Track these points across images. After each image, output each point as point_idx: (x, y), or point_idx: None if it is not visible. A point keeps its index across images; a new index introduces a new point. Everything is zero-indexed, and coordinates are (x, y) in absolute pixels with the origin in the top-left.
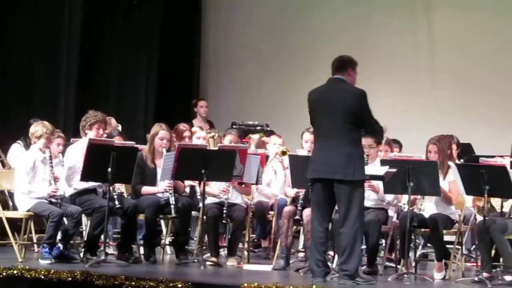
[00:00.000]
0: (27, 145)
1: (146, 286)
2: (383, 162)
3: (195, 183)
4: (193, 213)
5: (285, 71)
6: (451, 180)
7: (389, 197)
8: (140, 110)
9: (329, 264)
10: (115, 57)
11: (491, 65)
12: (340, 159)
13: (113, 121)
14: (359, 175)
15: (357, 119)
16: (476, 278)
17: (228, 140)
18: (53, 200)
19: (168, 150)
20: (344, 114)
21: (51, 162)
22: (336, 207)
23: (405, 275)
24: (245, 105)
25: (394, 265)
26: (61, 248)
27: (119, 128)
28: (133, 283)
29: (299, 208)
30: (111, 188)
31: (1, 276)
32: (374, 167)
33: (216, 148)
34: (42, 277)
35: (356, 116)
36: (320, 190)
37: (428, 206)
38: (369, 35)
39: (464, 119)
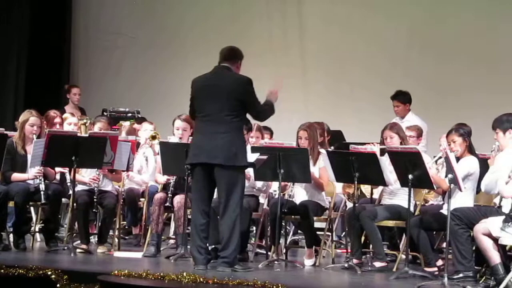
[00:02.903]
0: None
1: (16, 273)
2: (254, 149)
3: (65, 170)
4: (63, 200)
5: (157, 58)
6: (321, 167)
7: (260, 184)
8: (10, 97)
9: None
10: None
11: (363, 49)
12: (222, 144)
13: None
14: (240, 160)
15: (242, 106)
16: (346, 265)
17: (98, 127)
18: None
19: (38, 137)
20: (229, 101)
21: None
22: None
23: (276, 262)
24: (116, 92)
25: (264, 252)
26: None
27: None
28: (2, 270)
29: (169, 194)
30: None
31: None
32: None
33: (87, 135)
34: None
35: (242, 103)
36: (200, 176)
37: (298, 193)
38: (237, 20)
39: (335, 106)
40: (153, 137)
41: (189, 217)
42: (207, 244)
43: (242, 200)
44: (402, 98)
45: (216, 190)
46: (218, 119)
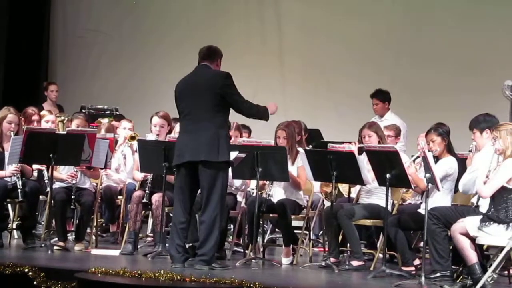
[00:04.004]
0: None
1: None
2: (232, 147)
3: (43, 167)
4: (41, 197)
5: (135, 56)
6: (299, 166)
7: (238, 182)
8: None
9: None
10: None
11: (340, 50)
12: (205, 140)
13: None
14: (223, 156)
15: (224, 101)
16: (323, 263)
17: (76, 124)
18: None
19: (16, 134)
20: (209, 96)
21: None
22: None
23: (253, 260)
24: (95, 90)
25: (242, 250)
26: None
27: None
28: None
29: (147, 192)
30: None
31: None
32: None
33: (65, 132)
34: None
35: (222, 98)
36: (184, 175)
37: (276, 192)
38: (215, 20)
39: (312, 105)
40: (132, 138)
41: (170, 215)
42: (189, 242)
43: (223, 199)
44: (381, 97)
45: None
46: (201, 116)
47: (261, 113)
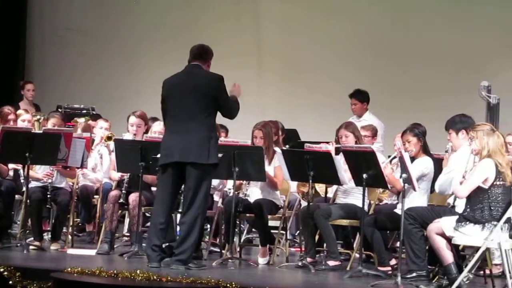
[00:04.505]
0: None
1: None
2: None
3: (18, 167)
4: (17, 196)
5: (112, 55)
6: (276, 166)
7: (215, 182)
8: None
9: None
10: None
11: (319, 50)
12: (195, 142)
13: None
14: (213, 158)
15: (215, 104)
16: (300, 263)
17: (52, 123)
18: None
19: None
20: (201, 98)
21: None
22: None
23: (230, 260)
24: (71, 89)
25: (218, 250)
26: None
27: None
28: None
29: (124, 191)
30: None
31: None
32: None
33: (41, 132)
34: None
35: (214, 101)
36: (170, 175)
37: (253, 191)
38: (194, 21)
39: (290, 105)
40: (109, 138)
41: (147, 214)
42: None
43: (206, 200)
44: (360, 97)
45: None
46: (192, 117)
47: (238, 107)
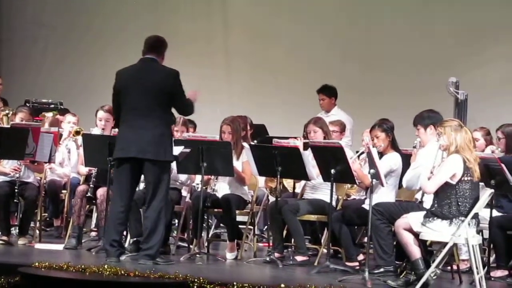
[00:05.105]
0: None
1: None
2: (178, 142)
3: None
4: None
5: (79, 49)
6: (244, 161)
7: (183, 177)
8: None
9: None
10: None
11: (287, 51)
12: (152, 139)
13: None
14: (169, 155)
15: (171, 99)
16: (267, 258)
17: (19, 118)
18: None
19: None
20: (158, 94)
21: None
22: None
23: (198, 255)
24: (40, 83)
25: (186, 245)
26: None
27: None
28: None
29: (91, 186)
30: None
31: None
32: None
33: (9, 126)
34: None
35: (170, 96)
36: (126, 170)
37: (221, 186)
38: (164, 20)
39: (258, 102)
40: (77, 132)
41: None
42: (132, 237)
43: (167, 194)
44: (328, 92)
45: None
46: (148, 113)
47: (192, 109)
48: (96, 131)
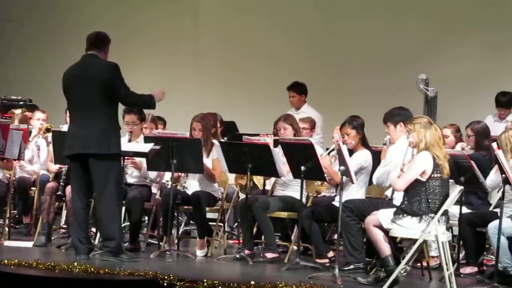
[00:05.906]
0: None
1: None
2: (147, 139)
3: None
4: None
5: (49, 46)
6: (214, 158)
7: (153, 174)
8: None
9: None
10: None
11: (256, 51)
12: (95, 133)
13: None
14: (115, 148)
15: (111, 92)
16: (237, 255)
17: None
18: None
19: None
20: (98, 88)
21: None
22: None
23: (168, 252)
24: (9, 80)
25: (156, 242)
26: None
27: None
28: None
29: (61, 183)
30: None
31: None
32: (138, 144)
33: None
34: None
35: (110, 89)
36: (78, 166)
37: (191, 184)
38: (131, 19)
39: (228, 96)
40: (48, 130)
41: None
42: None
43: (118, 188)
44: (298, 89)
45: None
46: (90, 108)
47: (147, 102)
48: (65, 128)
